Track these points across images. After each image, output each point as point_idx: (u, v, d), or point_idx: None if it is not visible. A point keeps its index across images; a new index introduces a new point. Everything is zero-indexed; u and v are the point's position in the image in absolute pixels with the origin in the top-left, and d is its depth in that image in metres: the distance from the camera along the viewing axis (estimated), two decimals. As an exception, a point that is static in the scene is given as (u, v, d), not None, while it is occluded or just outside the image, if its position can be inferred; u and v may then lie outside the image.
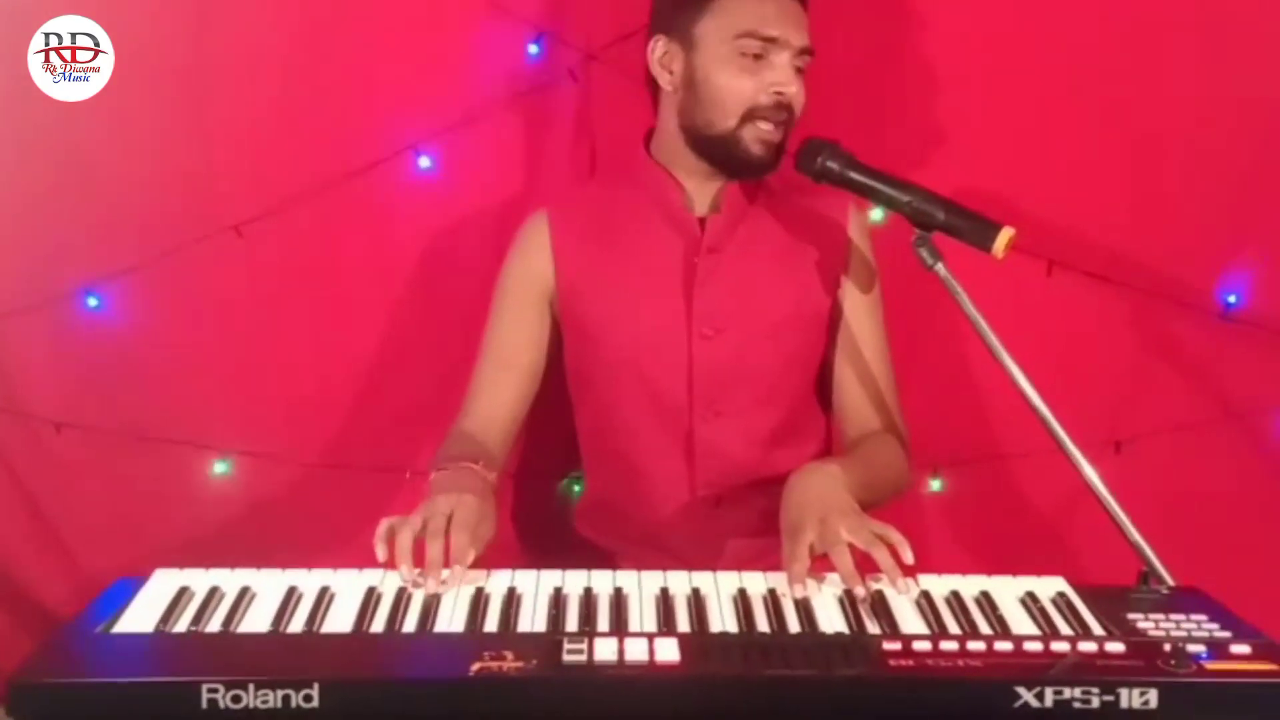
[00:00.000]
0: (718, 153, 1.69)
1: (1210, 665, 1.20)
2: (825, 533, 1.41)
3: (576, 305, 1.74)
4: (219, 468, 2.06)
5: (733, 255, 1.71)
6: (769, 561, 1.45)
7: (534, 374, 1.78)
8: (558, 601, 1.34)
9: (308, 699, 1.14)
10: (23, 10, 1.88)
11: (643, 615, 1.32)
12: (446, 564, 1.37)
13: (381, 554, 1.39)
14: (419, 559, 1.38)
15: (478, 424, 1.74)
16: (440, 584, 1.36)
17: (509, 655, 1.18)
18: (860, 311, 1.76)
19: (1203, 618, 1.30)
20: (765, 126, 1.65)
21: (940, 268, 1.54)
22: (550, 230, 1.76)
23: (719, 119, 1.66)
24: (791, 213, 1.75)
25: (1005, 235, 1.52)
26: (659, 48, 1.70)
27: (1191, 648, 1.22)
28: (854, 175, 1.61)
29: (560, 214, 1.77)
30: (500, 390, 1.76)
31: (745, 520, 1.73)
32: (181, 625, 1.28)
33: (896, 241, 1.72)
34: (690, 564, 1.44)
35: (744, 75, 1.64)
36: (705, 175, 1.72)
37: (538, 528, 2.04)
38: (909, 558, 1.38)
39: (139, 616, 1.29)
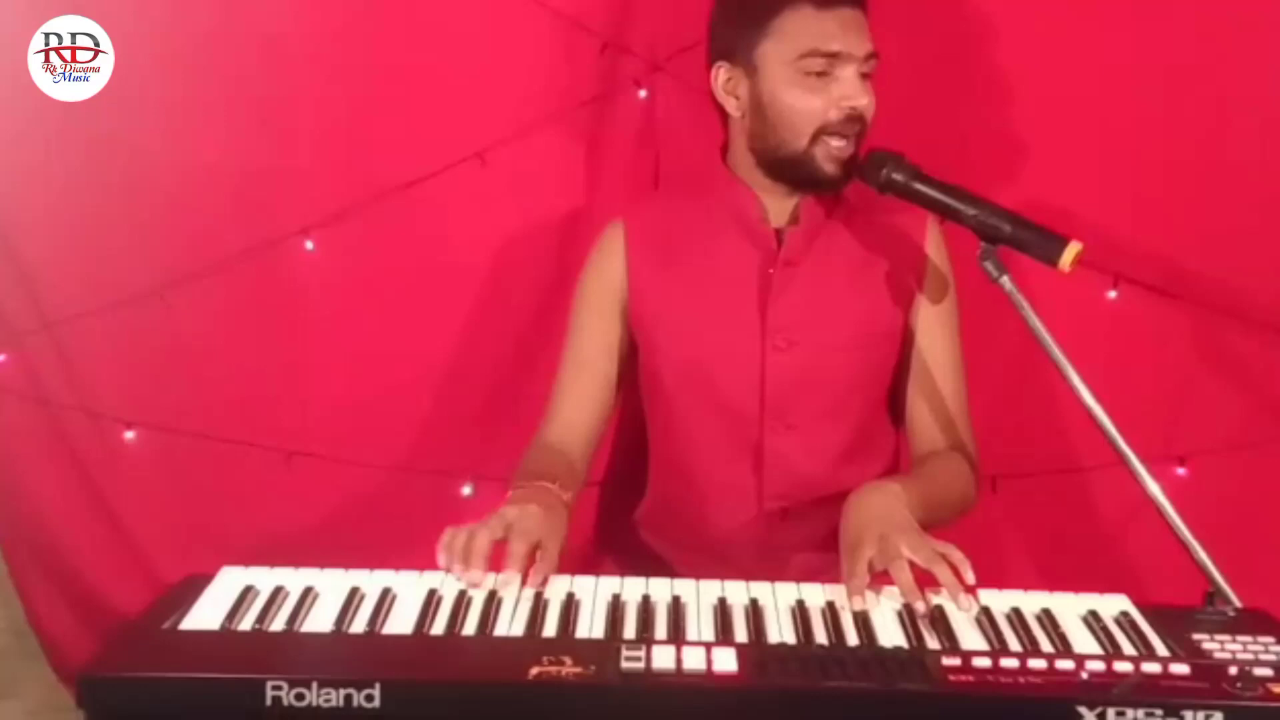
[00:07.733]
0: (791, 173, 1.67)
1: (1277, 689, 1.18)
2: (885, 549, 1.40)
3: (650, 313, 1.74)
4: (284, 469, 2.09)
5: (808, 268, 1.70)
6: (832, 576, 1.44)
7: (611, 380, 1.78)
8: (616, 608, 1.34)
9: (369, 699, 1.16)
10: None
11: (700, 624, 1.32)
12: (498, 568, 1.39)
13: (442, 560, 1.41)
14: (477, 562, 1.40)
15: (560, 431, 1.74)
16: (504, 582, 1.37)
17: (567, 660, 1.19)
18: (934, 329, 1.74)
19: (1270, 640, 1.28)
20: (837, 143, 1.63)
21: (1005, 281, 1.52)
22: (626, 239, 1.76)
23: (790, 139, 1.64)
24: (869, 228, 1.74)
25: (1072, 250, 1.50)
26: (721, 74, 1.69)
27: (1258, 671, 1.20)
28: (919, 187, 1.59)
29: (636, 223, 1.77)
30: (581, 396, 1.76)
31: (810, 534, 1.72)
32: (247, 623, 1.30)
33: (959, 251, 1.72)
34: (752, 576, 1.43)
35: (812, 94, 1.62)
36: (781, 191, 1.71)
37: (621, 538, 1.98)
38: (970, 577, 1.37)
39: (205, 614, 1.32)
